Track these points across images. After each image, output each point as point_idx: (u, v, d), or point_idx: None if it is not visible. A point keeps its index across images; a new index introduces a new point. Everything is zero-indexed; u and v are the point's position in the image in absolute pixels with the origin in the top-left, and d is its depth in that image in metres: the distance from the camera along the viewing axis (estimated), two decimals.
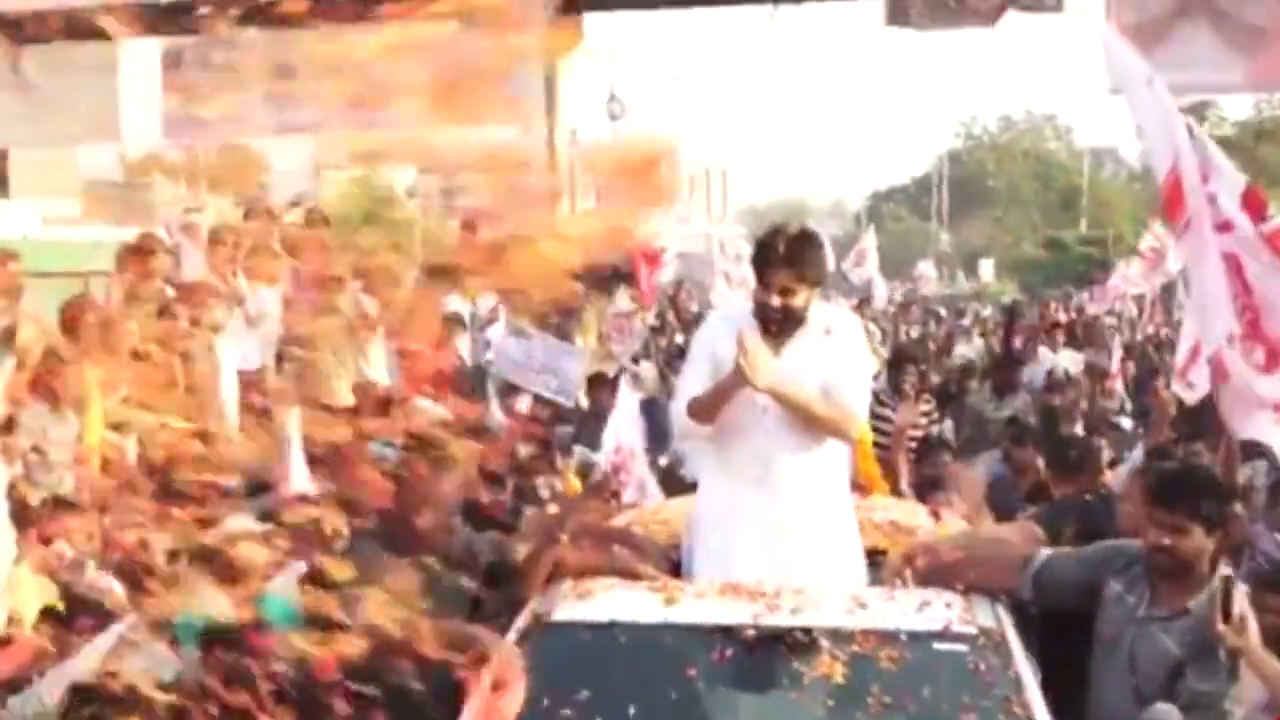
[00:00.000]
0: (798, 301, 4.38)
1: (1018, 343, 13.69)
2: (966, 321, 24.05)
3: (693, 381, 4.54)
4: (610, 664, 4.06)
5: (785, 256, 4.35)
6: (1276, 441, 5.42)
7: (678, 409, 4.59)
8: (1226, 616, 3.79)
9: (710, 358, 4.49)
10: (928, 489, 7.11)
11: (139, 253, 8.54)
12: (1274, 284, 5.19)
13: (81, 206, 42.75)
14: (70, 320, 6.99)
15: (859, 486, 6.11)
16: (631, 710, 3.83)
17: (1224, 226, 5.23)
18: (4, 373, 6.41)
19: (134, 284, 8.27)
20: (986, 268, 48.83)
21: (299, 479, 6.36)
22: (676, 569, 4.60)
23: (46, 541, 5.57)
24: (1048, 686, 4.04)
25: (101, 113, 15.48)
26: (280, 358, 8.81)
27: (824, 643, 3.97)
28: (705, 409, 4.44)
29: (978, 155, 68.73)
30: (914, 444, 8.42)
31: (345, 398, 8.66)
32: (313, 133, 21.44)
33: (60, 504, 5.91)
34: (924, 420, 9.21)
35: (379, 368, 9.37)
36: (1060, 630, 4.48)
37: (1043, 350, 13.73)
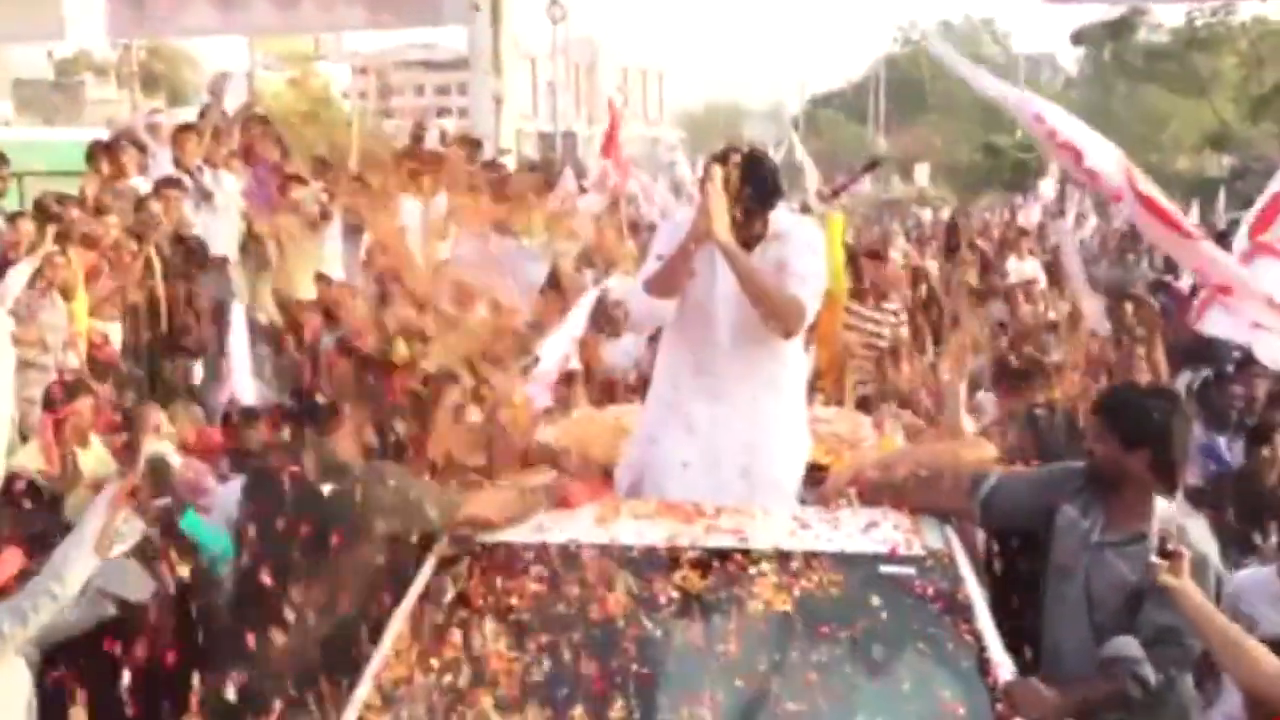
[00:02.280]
0: (755, 224, 4.21)
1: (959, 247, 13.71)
2: (896, 225, 24.30)
3: (653, 263, 4.32)
4: (537, 589, 3.82)
5: (739, 183, 4.13)
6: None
7: (635, 288, 4.39)
8: (1163, 552, 3.49)
9: (672, 243, 4.24)
10: (889, 396, 6.89)
11: (112, 150, 8.77)
12: (1167, 244, 5.20)
13: (13, 106, 41.90)
14: (52, 215, 7.27)
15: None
16: (563, 636, 3.63)
17: (1116, 197, 5.18)
18: (29, 270, 6.78)
19: (109, 181, 8.51)
20: (923, 173, 49.21)
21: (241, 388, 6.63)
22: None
23: (59, 423, 5.89)
24: (1000, 611, 3.91)
25: (44, 11, 15.32)
26: (244, 249, 9.07)
27: (765, 565, 3.82)
28: (664, 277, 4.23)
29: (915, 60, 68.82)
30: (880, 348, 8.26)
31: (307, 291, 8.96)
32: (256, 35, 21.35)
33: (70, 386, 6.23)
34: (892, 319, 8.92)
35: (334, 263, 9.64)
36: (1014, 552, 4.37)
37: (1011, 259, 13.48)
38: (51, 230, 7.00)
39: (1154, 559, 3.51)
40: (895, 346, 8.22)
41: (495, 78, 16.47)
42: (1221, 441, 7.28)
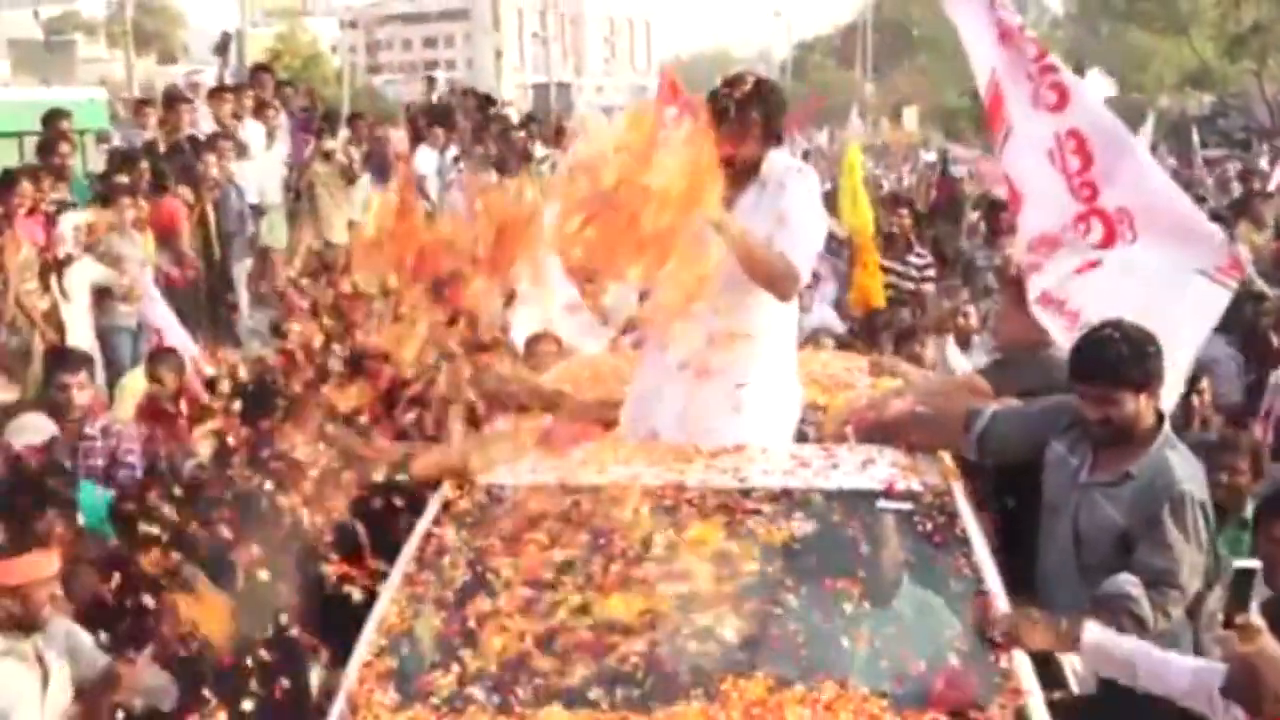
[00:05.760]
0: (752, 158, 4.12)
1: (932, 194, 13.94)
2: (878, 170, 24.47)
3: None
4: (540, 530, 3.84)
5: (737, 109, 4.05)
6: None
7: None
8: (1229, 622, 3.24)
9: None
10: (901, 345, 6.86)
11: (168, 107, 9.58)
12: (1116, 147, 5.16)
13: (10, 67, 42.41)
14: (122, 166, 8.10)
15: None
16: (566, 576, 3.68)
17: (1060, 103, 5.19)
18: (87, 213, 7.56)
19: (166, 136, 9.31)
20: (910, 117, 49.57)
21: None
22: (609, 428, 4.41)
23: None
24: (1000, 544, 3.96)
25: None
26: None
27: (765, 504, 3.84)
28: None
29: (902, 3, 68.97)
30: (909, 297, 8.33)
31: (341, 236, 9.74)
32: None
33: None
34: (915, 274, 8.80)
35: (364, 210, 10.40)
36: (1014, 487, 4.35)
37: None
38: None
39: (1221, 632, 3.27)
40: (917, 300, 8.18)
41: (495, 31, 17.14)
42: None
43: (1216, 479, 4.69)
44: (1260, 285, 6.29)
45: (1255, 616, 3.21)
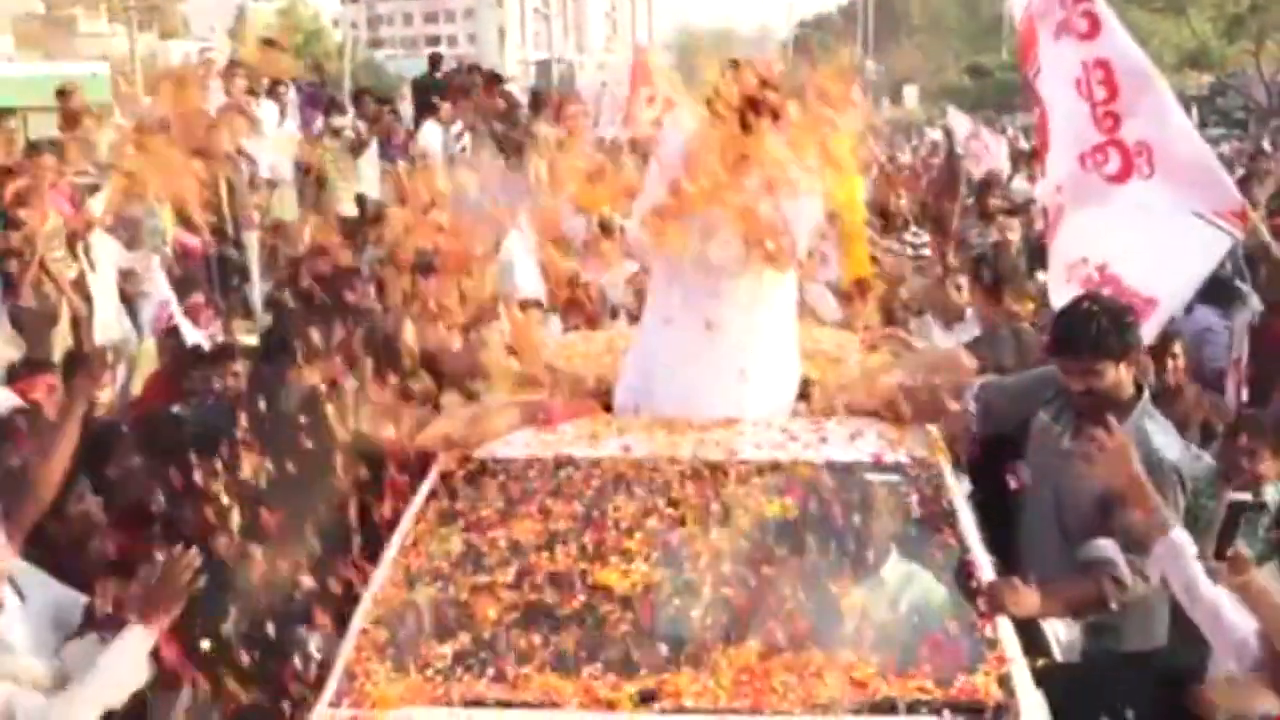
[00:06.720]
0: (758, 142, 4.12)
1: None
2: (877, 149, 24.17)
3: (651, 195, 4.28)
4: (535, 502, 3.93)
5: (755, 95, 4.09)
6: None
7: (631, 225, 4.39)
8: (1220, 552, 3.40)
9: (669, 169, 4.22)
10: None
11: (181, 83, 9.83)
12: (1141, 81, 5.29)
13: (14, 42, 42.56)
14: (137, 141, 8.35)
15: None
16: (560, 548, 3.76)
17: (1091, 31, 5.29)
18: (110, 185, 7.83)
19: (182, 111, 9.54)
20: (911, 95, 49.73)
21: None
22: (604, 405, 4.46)
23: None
24: (985, 517, 4.04)
25: None
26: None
27: (755, 476, 3.91)
28: (656, 220, 4.21)
29: None
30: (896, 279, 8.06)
31: (349, 209, 10.00)
32: None
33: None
34: (910, 252, 8.77)
35: (370, 183, 10.67)
36: (998, 460, 4.44)
37: (1016, 180, 13.29)
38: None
39: (1213, 563, 3.36)
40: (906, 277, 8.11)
41: (498, 7, 17.29)
42: None
43: (1235, 461, 4.78)
44: (1267, 237, 6.43)
45: (1244, 549, 3.37)
